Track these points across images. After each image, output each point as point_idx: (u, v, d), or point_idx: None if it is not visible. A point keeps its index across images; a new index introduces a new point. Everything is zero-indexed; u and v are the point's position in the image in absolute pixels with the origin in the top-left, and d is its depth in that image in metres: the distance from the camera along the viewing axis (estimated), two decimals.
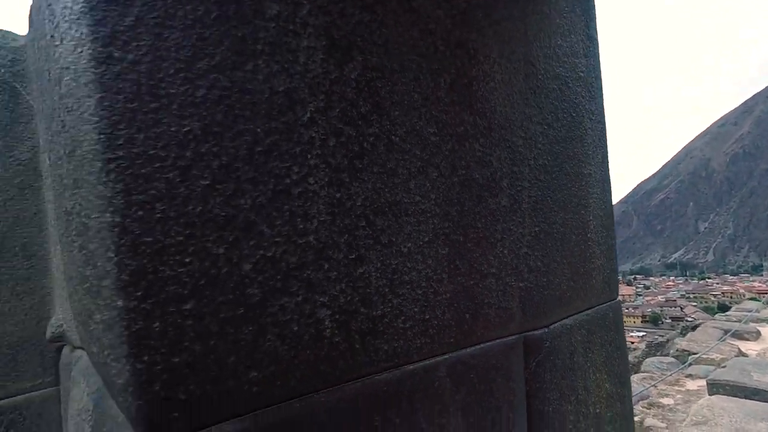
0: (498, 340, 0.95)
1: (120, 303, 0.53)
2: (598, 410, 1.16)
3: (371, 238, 0.75)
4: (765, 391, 3.85)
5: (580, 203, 1.21)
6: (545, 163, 1.11)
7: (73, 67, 0.56)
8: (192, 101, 0.58)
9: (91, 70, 0.52)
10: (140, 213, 0.53)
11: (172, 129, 0.56)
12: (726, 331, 6.45)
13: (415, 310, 0.80)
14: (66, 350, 1.32)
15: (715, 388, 4.16)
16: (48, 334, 1.31)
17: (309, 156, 0.68)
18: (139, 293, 0.53)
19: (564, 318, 1.12)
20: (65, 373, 1.31)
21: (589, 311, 1.21)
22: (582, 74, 1.26)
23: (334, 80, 0.72)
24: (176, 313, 0.55)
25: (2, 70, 1.38)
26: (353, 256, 0.72)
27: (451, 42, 0.90)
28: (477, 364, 0.89)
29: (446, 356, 0.84)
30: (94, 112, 0.53)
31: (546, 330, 1.06)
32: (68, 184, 0.68)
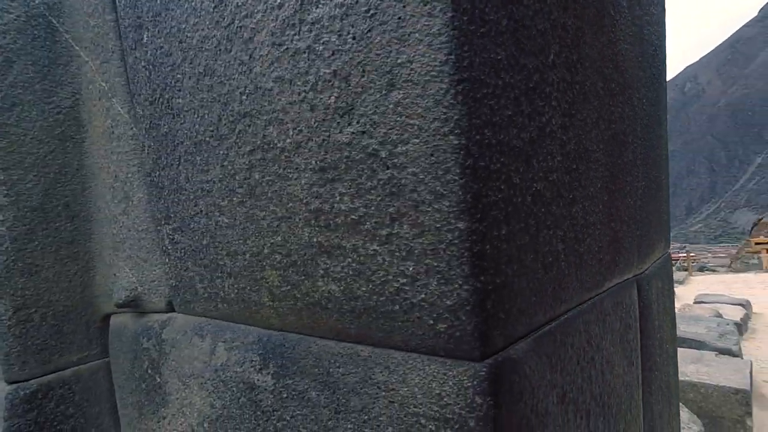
0: (627, 281, 1.05)
1: (461, 225, 0.54)
2: (668, 347, 1.33)
3: (577, 181, 0.80)
4: (691, 339, 4.50)
5: (659, 163, 1.34)
6: (646, 124, 1.21)
7: None
8: (498, 29, 0.58)
9: None
10: (477, 137, 0.54)
11: (491, 56, 0.57)
12: None
13: (595, 249, 0.87)
14: (121, 318, 1.23)
15: None
16: (121, 298, 1.20)
17: (552, 98, 0.71)
18: (478, 215, 0.54)
19: (651, 265, 1.26)
20: (119, 342, 1.23)
21: (659, 260, 1.36)
22: (662, 42, 1.37)
23: (562, 25, 0.74)
24: (497, 237, 0.57)
25: (36, 1, 1.18)
26: (571, 196, 0.77)
27: (606, 2, 0.95)
28: (621, 302, 0.99)
29: (607, 292, 0.93)
30: (441, 30, 0.52)
31: (644, 275, 1.19)
32: (317, 117, 0.65)
